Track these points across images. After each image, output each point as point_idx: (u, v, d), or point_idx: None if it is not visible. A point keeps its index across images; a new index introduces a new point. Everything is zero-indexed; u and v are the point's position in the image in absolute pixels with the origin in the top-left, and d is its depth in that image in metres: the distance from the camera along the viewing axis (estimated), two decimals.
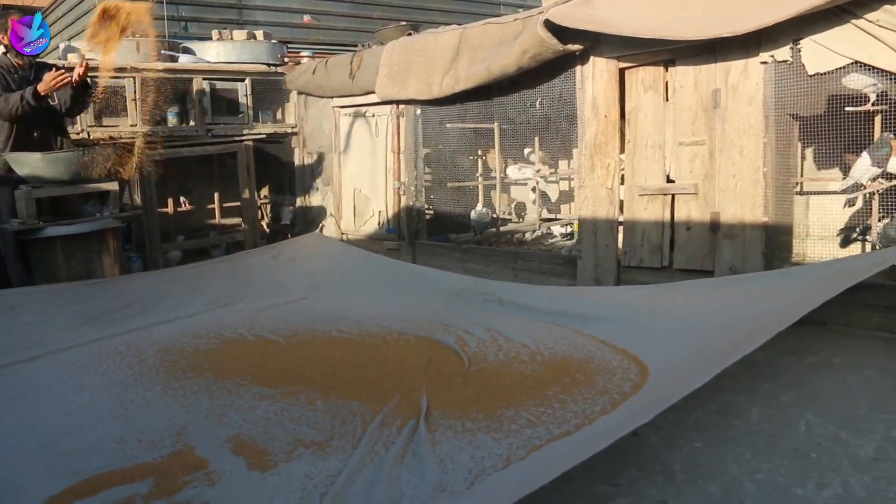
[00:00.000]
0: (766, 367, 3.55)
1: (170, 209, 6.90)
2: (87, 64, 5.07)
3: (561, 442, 2.67)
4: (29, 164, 4.99)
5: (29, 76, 5.20)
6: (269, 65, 7.52)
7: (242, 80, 7.22)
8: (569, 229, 6.99)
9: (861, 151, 4.38)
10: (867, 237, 4.49)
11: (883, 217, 4.35)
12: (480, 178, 6.82)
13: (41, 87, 4.92)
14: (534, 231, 7.08)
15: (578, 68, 5.15)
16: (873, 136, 4.27)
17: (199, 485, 2.48)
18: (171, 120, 6.86)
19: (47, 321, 4.50)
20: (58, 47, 7.91)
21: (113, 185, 5.34)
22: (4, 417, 3.20)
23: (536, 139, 6.49)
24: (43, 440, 2.93)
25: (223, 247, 7.08)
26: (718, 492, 2.44)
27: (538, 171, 6.81)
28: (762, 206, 4.36)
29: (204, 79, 6.96)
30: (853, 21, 3.93)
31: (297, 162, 7.65)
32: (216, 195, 7.19)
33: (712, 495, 2.43)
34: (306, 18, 10.50)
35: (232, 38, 7.81)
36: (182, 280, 5.42)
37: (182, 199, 7.11)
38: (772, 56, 4.26)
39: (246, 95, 7.24)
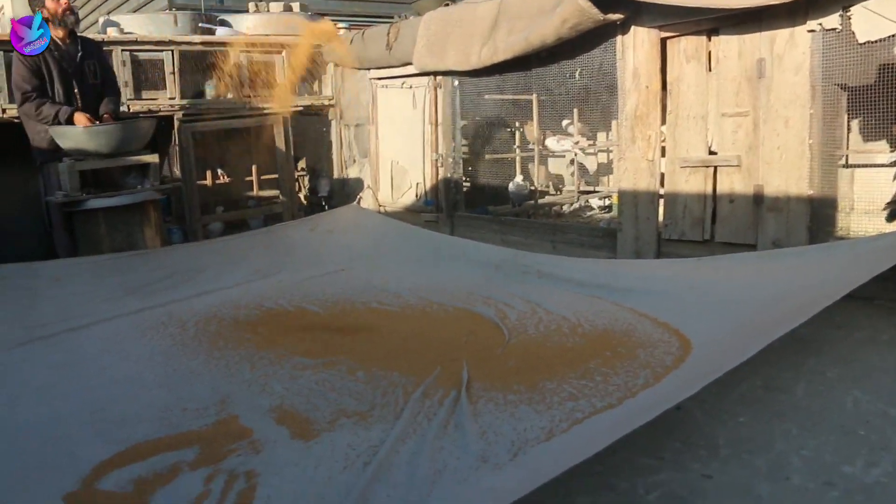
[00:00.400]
0: (812, 342, 3.49)
1: (208, 181, 6.94)
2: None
3: (604, 415, 2.66)
4: (72, 137, 5.04)
5: (73, 51, 5.23)
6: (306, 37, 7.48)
7: (279, 53, 7.20)
8: (607, 202, 6.92)
9: None
10: None
11: None
12: (518, 150, 6.76)
13: (76, 121, 5.08)
14: (572, 203, 7.02)
15: (619, 38, 5.07)
16: None
17: (243, 453, 2.51)
18: (209, 93, 6.88)
19: (92, 291, 4.58)
20: (97, 21, 7.96)
21: (154, 158, 5.39)
22: (56, 384, 3.27)
23: (575, 110, 6.41)
24: (93, 407, 2.99)
25: (261, 219, 7.12)
26: (765, 467, 2.42)
27: (577, 142, 6.74)
28: (807, 178, 4.28)
29: (241, 51, 6.95)
30: None
31: (334, 134, 7.65)
32: (254, 167, 7.22)
33: (758, 470, 2.40)
34: None
35: (269, 11, 7.79)
36: (222, 251, 5.47)
37: (220, 171, 7.14)
38: (820, 24, 4.15)
39: (283, 68, 7.22)
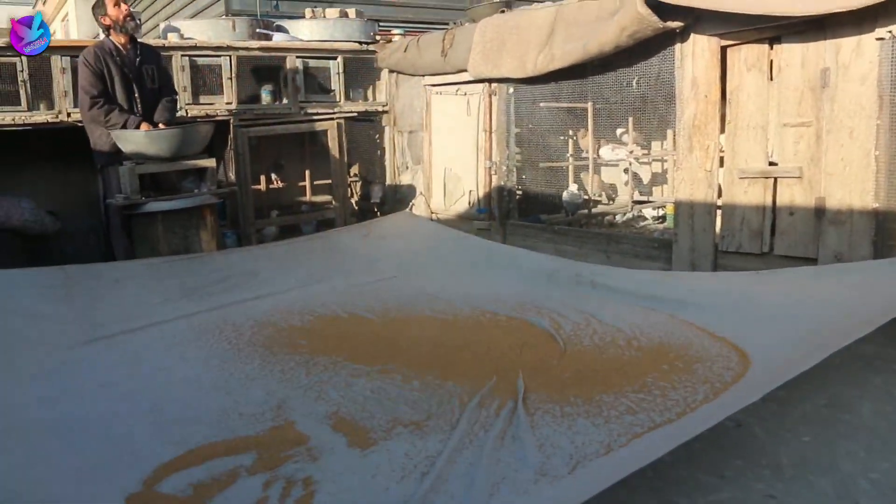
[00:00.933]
0: (877, 360, 3.40)
1: (262, 186, 7.03)
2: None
3: (663, 430, 2.62)
4: (133, 140, 5.14)
5: (134, 57, 5.35)
6: (360, 42, 7.54)
7: (335, 58, 7.26)
8: (661, 212, 6.83)
9: None
10: None
11: None
12: (572, 159, 6.72)
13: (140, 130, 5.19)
14: (625, 213, 6.95)
15: (678, 46, 5.00)
16: None
17: (300, 460, 2.53)
18: (265, 98, 6.97)
19: (150, 293, 4.65)
20: (157, 26, 8.12)
21: (211, 162, 5.47)
22: (117, 383, 3.33)
23: (630, 119, 6.34)
24: (153, 407, 3.04)
25: (314, 224, 7.18)
26: (831, 489, 2.36)
27: (631, 151, 6.67)
28: (872, 191, 4.16)
29: (297, 57, 7.03)
30: None
31: (387, 140, 7.68)
32: (307, 173, 7.29)
33: (825, 493, 2.34)
34: None
35: (325, 16, 7.87)
36: (275, 256, 5.52)
37: (274, 176, 7.23)
38: (889, 32, 4.04)
39: (338, 73, 7.28)
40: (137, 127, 5.18)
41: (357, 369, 3.40)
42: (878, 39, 4.09)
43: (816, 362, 2.66)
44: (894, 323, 3.54)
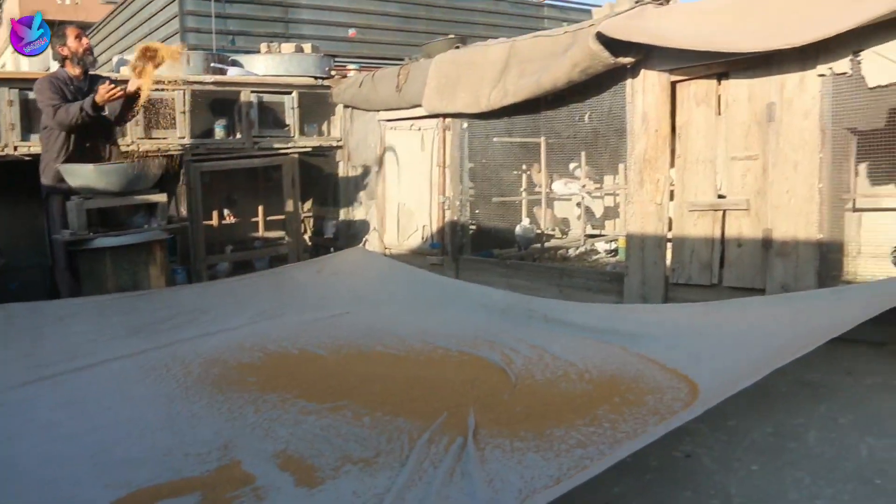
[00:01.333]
0: (822, 388, 3.44)
1: (215, 222, 6.95)
2: (139, 85, 5.22)
3: (611, 458, 2.60)
4: (82, 175, 5.06)
5: (84, 87, 5.30)
6: (316, 78, 7.57)
7: (289, 93, 7.26)
8: (613, 246, 6.90)
9: None
10: None
11: None
12: (525, 193, 6.77)
13: (98, 98, 5.03)
14: (578, 247, 7.00)
15: (629, 81, 5.10)
16: None
17: (246, 500, 2.46)
18: (219, 133, 6.92)
19: (96, 331, 4.55)
20: (111, 60, 8.06)
21: (162, 197, 5.40)
22: (61, 422, 3.23)
23: (583, 154, 6.42)
24: (96, 448, 2.95)
25: (267, 260, 7.12)
26: None
27: (583, 185, 6.74)
28: (817, 222, 4.26)
29: (252, 91, 7.02)
30: None
31: (341, 175, 7.68)
32: (261, 208, 7.24)
33: None
34: (351, 32, 10.57)
35: (280, 52, 7.88)
36: (226, 293, 5.45)
37: (227, 211, 7.16)
38: (830, 68, 4.16)
39: (293, 108, 7.28)
40: (93, 103, 5.06)
41: (307, 406, 3.35)
42: (819, 76, 4.21)
43: (759, 378, 2.69)
44: (838, 352, 3.61)
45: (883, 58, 3.96)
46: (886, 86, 3.98)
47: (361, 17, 10.72)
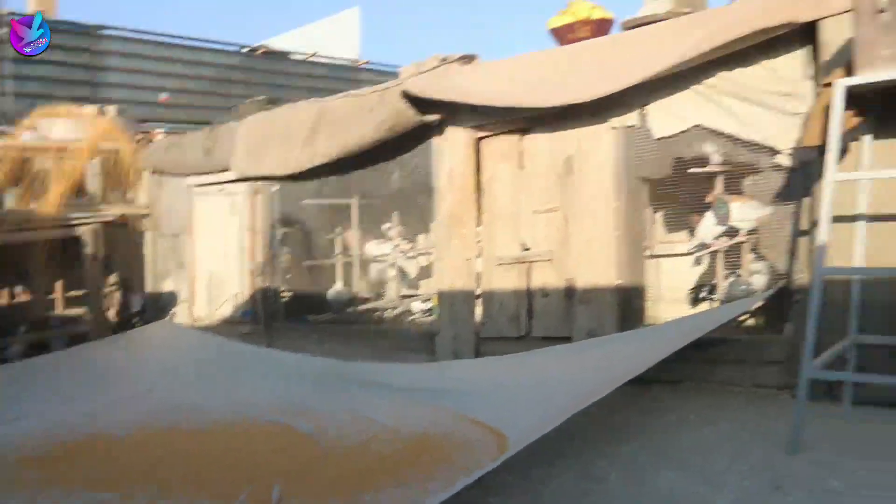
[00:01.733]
0: (624, 429, 3.50)
1: (5, 300, 6.38)
2: None
3: None
4: None
5: None
6: (121, 142, 7.19)
7: (92, 159, 6.85)
8: (428, 305, 6.88)
9: (705, 212, 4.54)
10: (713, 295, 4.58)
11: (729, 275, 4.49)
12: (339, 256, 6.66)
13: None
14: (393, 308, 6.92)
15: (436, 139, 5.16)
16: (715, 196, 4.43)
17: None
18: (9, 201, 6.40)
19: None
20: None
21: None
22: None
23: (395, 214, 6.42)
24: None
25: (65, 340, 6.57)
26: None
27: (397, 246, 6.72)
28: (616, 269, 4.41)
29: (49, 157, 6.56)
30: (694, 87, 4.11)
31: (148, 245, 7.28)
32: (59, 283, 6.73)
33: None
34: (163, 97, 10.22)
35: (81, 115, 7.44)
36: (14, 378, 4.97)
37: (19, 288, 6.60)
38: (621, 122, 4.38)
39: (95, 175, 6.87)
40: None
41: (96, 498, 3.03)
42: (612, 129, 4.42)
43: (563, 422, 2.71)
44: (639, 392, 3.72)
45: (666, 111, 4.21)
46: (671, 136, 4.23)
47: (175, 80, 10.40)
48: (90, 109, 7.59)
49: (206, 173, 6.66)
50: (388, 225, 6.75)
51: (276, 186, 6.17)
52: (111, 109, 7.69)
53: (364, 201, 6.12)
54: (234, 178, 6.35)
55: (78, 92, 9.54)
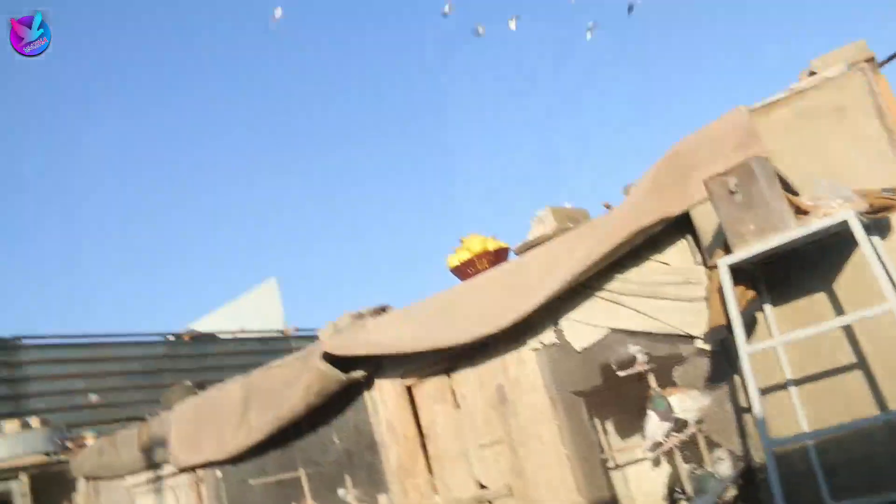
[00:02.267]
0: None
1: None
2: None
3: None
4: None
5: None
6: (48, 454, 6.91)
7: (16, 478, 6.51)
8: None
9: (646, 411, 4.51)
10: (685, 494, 4.46)
11: (694, 469, 4.38)
12: None
13: None
14: None
15: (366, 394, 5.12)
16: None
17: None
18: None
19: None
20: None
21: None
22: None
23: (347, 477, 6.17)
24: None
25: None
26: None
27: None
28: (575, 488, 4.29)
29: None
30: (598, 294, 4.21)
31: None
32: None
33: None
34: (93, 398, 9.95)
35: (2, 432, 7.16)
36: None
37: None
38: (540, 342, 4.43)
39: (23, 495, 6.50)
40: None
41: None
42: (533, 350, 4.46)
43: None
44: None
45: (579, 322, 4.29)
46: (591, 346, 4.27)
47: (101, 379, 10.14)
48: (13, 424, 7.32)
49: (145, 470, 6.39)
50: (342, 490, 6.46)
51: (219, 472, 5.94)
52: (34, 420, 7.44)
53: (312, 470, 5.86)
54: (174, 470, 6.09)
55: (1, 408, 9.23)
